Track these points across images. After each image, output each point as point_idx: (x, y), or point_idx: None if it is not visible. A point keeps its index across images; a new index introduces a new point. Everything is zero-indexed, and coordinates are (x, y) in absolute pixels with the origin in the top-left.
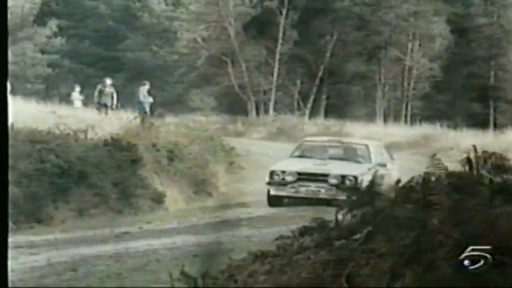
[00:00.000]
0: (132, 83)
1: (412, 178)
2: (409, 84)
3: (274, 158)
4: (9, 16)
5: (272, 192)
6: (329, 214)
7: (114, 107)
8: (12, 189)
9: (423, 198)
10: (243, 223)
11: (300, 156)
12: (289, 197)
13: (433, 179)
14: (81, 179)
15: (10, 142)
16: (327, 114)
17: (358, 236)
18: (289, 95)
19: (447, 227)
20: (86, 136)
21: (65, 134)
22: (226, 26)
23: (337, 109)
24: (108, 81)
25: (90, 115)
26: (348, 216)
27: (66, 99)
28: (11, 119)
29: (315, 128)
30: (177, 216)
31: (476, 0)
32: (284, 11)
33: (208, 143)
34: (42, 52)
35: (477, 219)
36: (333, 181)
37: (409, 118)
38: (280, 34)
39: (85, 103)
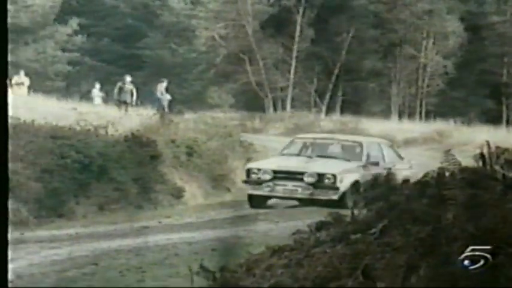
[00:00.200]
0: (151, 80)
1: (427, 173)
2: (423, 81)
3: None
4: (30, 15)
5: (249, 192)
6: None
7: (133, 103)
8: (34, 185)
9: (438, 193)
10: (260, 218)
11: (289, 154)
12: (268, 197)
13: (447, 174)
14: (101, 175)
15: (31, 138)
16: (343, 111)
17: (373, 230)
18: (305, 92)
19: (461, 221)
20: (106, 132)
21: (85, 130)
22: (244, 24)
23: (353, 106)
24: (128, 78)
25: (110, 112)
26: (364, 211)
27: (87, 96)
28: (31, 116)
29: (331, 124)
30: (196, 211)
31: None
32: (301, 9)
33: (226, 139)
34: (63, 50)
35: (490, 213)
36: (309, 180)
37: (423, 114)
38: (297, 32)
39: (105, 100)
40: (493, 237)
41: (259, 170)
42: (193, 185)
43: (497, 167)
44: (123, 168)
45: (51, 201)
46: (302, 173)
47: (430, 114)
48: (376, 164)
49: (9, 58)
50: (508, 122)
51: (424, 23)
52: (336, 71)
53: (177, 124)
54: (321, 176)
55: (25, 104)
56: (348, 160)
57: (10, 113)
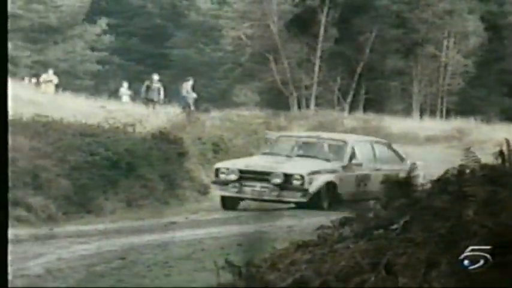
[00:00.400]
0: (178, 79)
1: (448, 170)
2: (444, 79)
3: None
4: (59, 15)
5: (217, 192)
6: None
7: (161, 102)
8: (63, 181)
9: (458, 190)
10: (285, 213)
11: (269, 154)
12: (241, 198)
13: (467, 171)
14: (129, 171)
15: (60, 136)
16: (365, 109)
17: (395, 226)
18: (329, 90)
19: (481, 217)
20: (134, 130)
21: (114, 127)
22: (269, 24)
23: (375, 104)
24: (156, 77)
25: (138, 110)
26: (387, 207)
27: (115, 94)
28: (60, 113)
29: (354, 122)
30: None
31: None
32: (325, 9)
33: (252, 137)
34: (92, 49)
35: (509, 209)
36: (276, 180)
37: (444, 112)
38: (321, 32)
39: (133, 98)
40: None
41: (227, 169)
42: None
43: None
44: (151, 165)
45: (80, 197)
46: (268, 173)
47: (450, 113)
48: (360, 165)
49: (38, 57)
50: None
51: (445, 23)
52: (359, 70)
53: (204, 122)
54: (288, 177)
55: (53, 102)
56: (328, 160)
57: (38, 110)
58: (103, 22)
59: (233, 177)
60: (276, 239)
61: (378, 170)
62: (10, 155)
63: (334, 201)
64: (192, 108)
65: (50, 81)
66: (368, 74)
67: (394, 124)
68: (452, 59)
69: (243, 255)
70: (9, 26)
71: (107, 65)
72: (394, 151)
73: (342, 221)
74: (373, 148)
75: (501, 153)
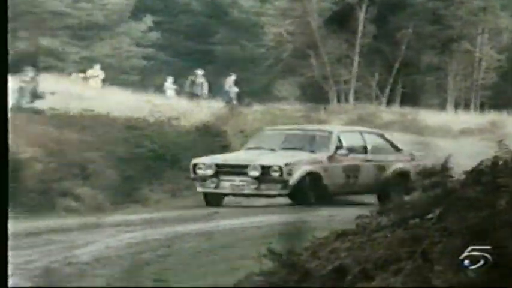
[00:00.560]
0: (222, 74)
1: (481, 162)
2: (478, 74)
3: None
4: (106, 12)
5: (197, 189)
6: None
7: (204, 96)
8: (110, 173)
9: (492, 181)
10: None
11: (254, 148)
12: (224, 194)
13: (500, 162)
14: (174, 163)
15: (107, 129)
16: (402, 103)
17: (431, 215)
18: (367, 85)
19: None
20: (178, 123)
21: (159, 121)
22: (309, 20)
23: (411, 98)
24: (200, 72)
25: (183, 104)
26: (423, 197)
27: (160, 89)
28: (106, 107)
29: (391, 116)
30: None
31: None
32: (363, 7)
33: None
34: (138, 45)
35: None
36: (253, 173)
37: (478, 106)
38: (360, 28)
39: (178, 93)
40: None
41: (204, 164)
42: None
43: None
44: (195, 157)
45: (126, 188)
46: (247, 166)
47: (484, 106)
48: (346, 155)
49: (85, 53)
50: None
51: (479, 20)
52: (396, 65)
53: (246, 115)
54: (266, 169)
55: (100, 96)
56: (313, 151)
57: (86, 105)
58: (149, 19)
59: (210, 172)
60: (316, 228)
61: (368, 161)
62: (59, 147)
63: (321, 194)
64: (235, 102)
65: (97, 76)
66: (404, 69)
67: (430, 117)
68: (486, 54)
69: (285, 243)
70: (57, 23)
71: (153, 60)
72: (388, 141)
73: (380, 210)
74: (363, 138)
75: None
